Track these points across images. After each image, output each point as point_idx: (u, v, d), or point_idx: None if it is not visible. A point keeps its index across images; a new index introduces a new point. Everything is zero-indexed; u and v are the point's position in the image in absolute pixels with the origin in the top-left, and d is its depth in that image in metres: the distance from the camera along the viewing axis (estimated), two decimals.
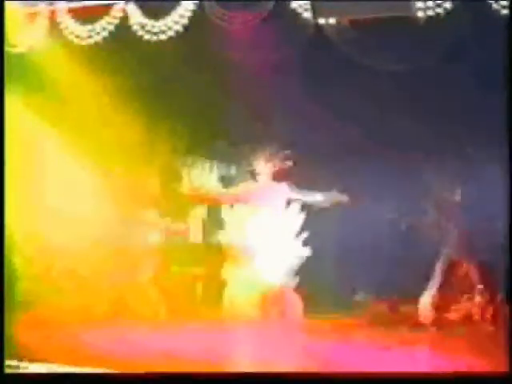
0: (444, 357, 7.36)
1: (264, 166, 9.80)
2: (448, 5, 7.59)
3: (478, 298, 8.90)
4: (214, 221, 10.48)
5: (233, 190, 10.06)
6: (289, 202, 9.75)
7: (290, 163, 9.71)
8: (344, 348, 7.85)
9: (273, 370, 6.70)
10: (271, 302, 9.44)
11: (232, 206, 9.99)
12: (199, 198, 10.27)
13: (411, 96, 8.66)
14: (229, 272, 9.73)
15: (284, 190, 9.75)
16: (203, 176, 10.35)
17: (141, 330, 8.65)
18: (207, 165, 10.56)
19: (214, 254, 10.09)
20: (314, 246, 9.55)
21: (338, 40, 7.98)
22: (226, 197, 10.02)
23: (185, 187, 9.97)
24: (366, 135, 9.12)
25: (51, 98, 9.45)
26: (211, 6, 8.29)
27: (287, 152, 9.68)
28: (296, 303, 9.43)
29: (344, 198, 9.48)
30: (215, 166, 10.66)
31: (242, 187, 10.01)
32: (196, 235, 11.00)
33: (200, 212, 11.00)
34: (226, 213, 10.03)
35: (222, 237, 9.99)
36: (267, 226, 9.67)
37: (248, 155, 9.89)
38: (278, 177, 9.81)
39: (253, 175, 9.95)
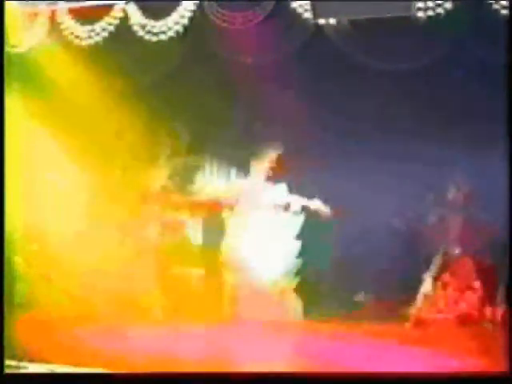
0: (444, 357, 7.37)
1: (260, 167, 9.77)
2: (448, 5, 7.60)
3: (477, 297, 8.90)
4: (213, 222, 10.42)
5: (231, 192, 10.02)
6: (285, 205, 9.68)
7: (287, 164, 9.66)
8: (344, 348, 7.85)
9: (272, 369, 6.71)
10: (270, 302, 9.43)
11: (231, 207, 9.95)
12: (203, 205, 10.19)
13: (411, 96, 8.66)
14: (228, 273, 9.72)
15: (279, 191, 9.71)
16: (206, 178, 10.34)
17: (141, 329, 8.65)
18: (208, 166, 10.52)
19: (213, 255, 10.05)
20: (314, 246, 9.55)
21: (338, 40, 7.99)
22: (225, 199, 9.98)
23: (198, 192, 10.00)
24: (366, 135, 9.11)
25: (51, 98, 9.44)
26: (211, 6, 8.31)
27: (285, 153, 9.64)
28: (294, 304, 9.43)
29: (325, 209, 9.42)
30: (215, 168, 10.61)
31: (239, 188, 9.97)
32: (196, 236, 10.94)
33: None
34: (225, 214, 10.00)
35: (221, 238, 9.97)
36: (263, 228, 9.64)
37: (246, 156, 9.85)
38: (272, 178, 9.76)
39: (248, 176, 9.92)
